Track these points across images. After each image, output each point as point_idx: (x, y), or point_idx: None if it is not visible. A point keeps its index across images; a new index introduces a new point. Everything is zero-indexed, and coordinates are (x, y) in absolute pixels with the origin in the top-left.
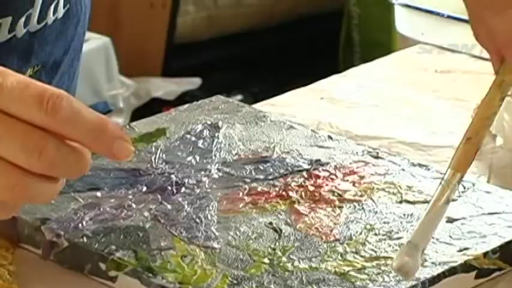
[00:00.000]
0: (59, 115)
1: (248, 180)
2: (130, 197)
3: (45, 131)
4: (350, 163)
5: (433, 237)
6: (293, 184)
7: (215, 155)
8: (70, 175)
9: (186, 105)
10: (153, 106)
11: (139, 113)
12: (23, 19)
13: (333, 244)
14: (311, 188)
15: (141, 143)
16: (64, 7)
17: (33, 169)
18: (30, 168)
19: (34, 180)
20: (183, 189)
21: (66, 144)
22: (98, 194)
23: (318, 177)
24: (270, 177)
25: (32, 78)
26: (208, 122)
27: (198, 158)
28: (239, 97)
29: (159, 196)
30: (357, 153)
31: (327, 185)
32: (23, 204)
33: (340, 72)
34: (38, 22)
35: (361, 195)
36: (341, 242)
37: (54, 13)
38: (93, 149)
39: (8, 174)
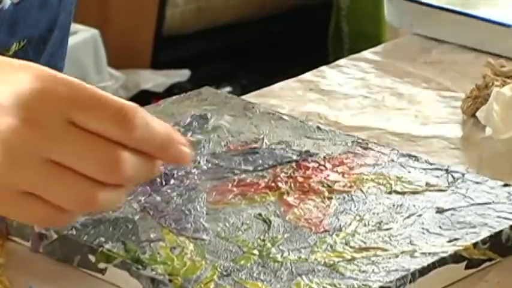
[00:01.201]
0: (134, 132)
1: (237, 171)
2: None
3: (118, 144)
4: (339, 154)
5: (422, 228)
6: (282, 175)
7: (204, 147)
8: (141, 182)
9: (174, 97)
10: (142, 98)
11: None
12: None
13: (322, 235)
14: (300, 179)
15: None
16: None
17: (107, 181)
18: (104, 181)
19: (105, 191)
20: (172, 180)
21: (137, 153)
22: None
23: (307, 168)
24: (259, 169)
25: (19, 54)
26: (197, 114)
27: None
28: (228, 89)
29: (148, 188)
30: (346, 144)
31: (316, 176)
32: None
33: (329, 63)
34: None
35: (350, 186)
36: (330, 233)
37: None
38: (161, 158)
39: (81, 187)
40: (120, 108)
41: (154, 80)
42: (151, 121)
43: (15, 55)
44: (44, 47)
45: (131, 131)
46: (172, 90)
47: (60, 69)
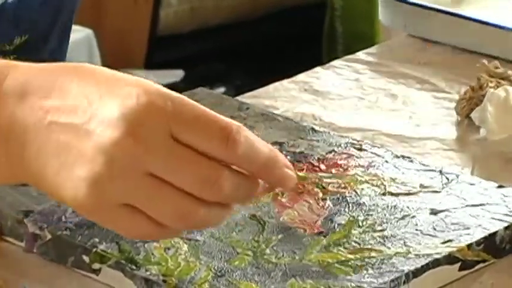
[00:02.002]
0: (238, 151)
1: None
2: None
3: (218, 162)
4: (333, 155)
5: (416, 229)
6: None
7: None
8: (242, 202)
9: None
10: None
11: None
12: None
13: (316, 236)
14: None
15: None
16: None
17: (207, 198)
18: (204, 198)
19: (206, 208)
20: None
21: (238, 173)
22: None
23: (301, 169)
24: None
25: (21, 49)
26: None
27: None
28: (222, 89)
29: None
30: (340, 145)
31: (310, 177)
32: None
33: (323, 64)
34: None
35: (344, 188)
36: (324, 234)
37: None
38: (263, 179)
39: (180, 202)
40: (224, 126)
41: (148, 80)
42: (255, 141)
43: (17, 49)
44: (45, 43)
45: (234, 149)
46: None
47: None
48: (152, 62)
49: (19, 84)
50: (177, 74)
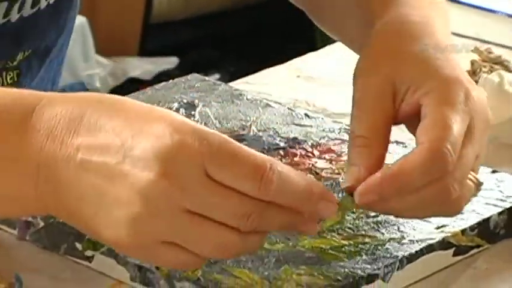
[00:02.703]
0: (271, 189)
1: None
2: None
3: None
4: (327, 141)
5: None
6: None
7: None
8: (284, 230)
9: (162, 84)
10: (130, 86)
11: (116, 93)
12: (17, 4)
13: None
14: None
15: None
16: None
17: (244, 230)
18: (241, 229)
19: (244, 238)
20: None
21: (276, 205)
22: None
23: (294, 155)
24: None
25: (22, 63)
26: (185, 101)
27: None
28: (216, 76)
29: None
30: (333, 131)
31: (303, 163)
32: None
33: (317, 49)
34: (32, 7)
35: (338, 173)
36: (318, 220)
37: None
38: (302, 211)
39: (220, 236)
40: (257, 165)
41: (142, 67)
42: (289, 175)
43: (19, 65)
44: (47, 55)
45: (267, 188)
46: (160, 78)
47: (55, 74)
48: (146, 49)
49: (47, 120)
50: (171, 61)
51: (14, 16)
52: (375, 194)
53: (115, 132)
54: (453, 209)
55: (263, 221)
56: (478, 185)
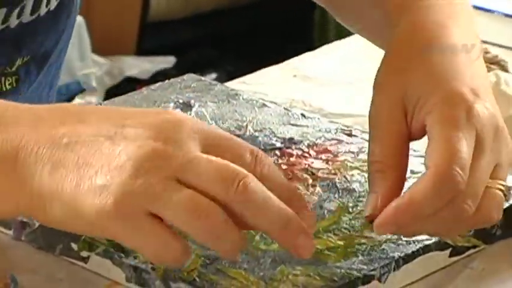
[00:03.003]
0: (244, 196)
1: None
2: None
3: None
4: (323, 141)
5: None
6: None
7: None
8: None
9: (157, 84)
10: (127, 85)
11: (113, 93)
12: (16, 10)
13: None
14: (284, 167)
15: None
16: None
17: (230, 195)
18: (226, 198)
19: (226, 217)
20: None
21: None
22: None
23: (291, 155)
24: None
25: (21, 69)
26: (181, 101)
27: None
28: (214, 75)
29: None
30: (330, 131)
31: (300, 163)
32: None
33: (315, 49)
34: (31, 13)
35: (334, 174)
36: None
37: (47, 5)
38: (275, 239)
39: (200, 198)
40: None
41: (139, 66)
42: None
43: (18, 70)
44: (46, 61)
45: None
46: (157, 77)
47: (53, 79)
48: (143, 49)
49: (32, 115)
50: (168, 60)
51: (13, 22)
52: (391, 225)
53: (100, 121)
54: (478, 222)
55: (249, 189)
56: (508, 189)
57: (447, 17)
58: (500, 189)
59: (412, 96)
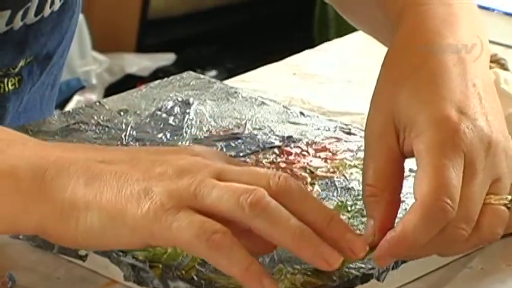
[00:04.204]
0: (257, 210)
1: None
2: None
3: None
4: (322, 139)
5: None
6: (264, 161)
7: (186, 132)
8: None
9: (156, 82)
10: (127, 82)
11: (113, 90)
12: (21, 12)
13: None
14: (283, 165)
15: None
16: (60, 0)
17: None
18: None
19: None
20: None
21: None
22: None
23: (289, 153)
24: (241, 154)
25: (24, 69)
26: (179, 99)
27: (168, 135)
28: (214, 73)
29: None
30: (329, 129)
31: (298, 161)
32: None
33: (315, 47)
34: (35, 15)
35: (333, 172)
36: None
37: (51, 6)
38: (295, 252)
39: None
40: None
41: (139, 63)
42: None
43: (21, 71)
44: (49, 61)
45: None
46: (157, 74)
47: (55, 78)
48: (143, 46)
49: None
50: (168, 58)
51: (17, 24)
52: (389, 257)
53: (129, 151)
54: (481, 240)
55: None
56: (509, 202)
57: (444, 21)
58: (504, 204)
59: (401, 119)
